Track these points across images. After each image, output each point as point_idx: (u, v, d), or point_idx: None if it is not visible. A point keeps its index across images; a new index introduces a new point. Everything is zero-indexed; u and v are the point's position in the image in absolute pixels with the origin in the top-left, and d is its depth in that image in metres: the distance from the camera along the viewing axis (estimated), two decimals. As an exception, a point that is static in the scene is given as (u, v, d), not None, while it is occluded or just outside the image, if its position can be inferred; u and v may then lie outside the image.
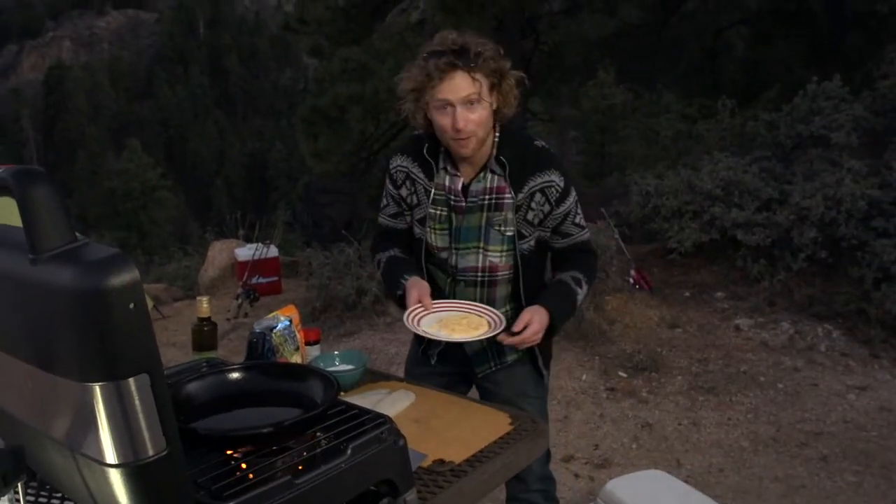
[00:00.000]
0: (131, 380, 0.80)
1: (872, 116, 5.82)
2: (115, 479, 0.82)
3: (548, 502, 2.00)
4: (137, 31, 79.44)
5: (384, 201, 1.96)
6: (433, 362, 1.96)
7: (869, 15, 9.44)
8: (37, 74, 67.21)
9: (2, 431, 1.07)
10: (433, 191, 1.81)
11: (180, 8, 74.40)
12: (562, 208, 1.79)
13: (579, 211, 1.84)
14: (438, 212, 1.82)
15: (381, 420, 1.20)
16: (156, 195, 36.01)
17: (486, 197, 1.77)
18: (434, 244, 1.85)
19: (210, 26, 73.92)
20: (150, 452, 0.82)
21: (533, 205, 1.77)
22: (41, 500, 1.19)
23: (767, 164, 5.82)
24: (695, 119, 9.76)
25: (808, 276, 5.07)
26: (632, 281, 5.27)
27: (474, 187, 1.78)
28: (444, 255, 1.85)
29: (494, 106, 1.71)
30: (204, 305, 1.68)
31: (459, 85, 1.64)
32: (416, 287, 1.77)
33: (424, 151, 1.81)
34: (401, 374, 4.80)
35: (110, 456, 0.81)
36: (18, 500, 0.94)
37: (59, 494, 1.19)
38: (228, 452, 1.08)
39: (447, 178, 1.80)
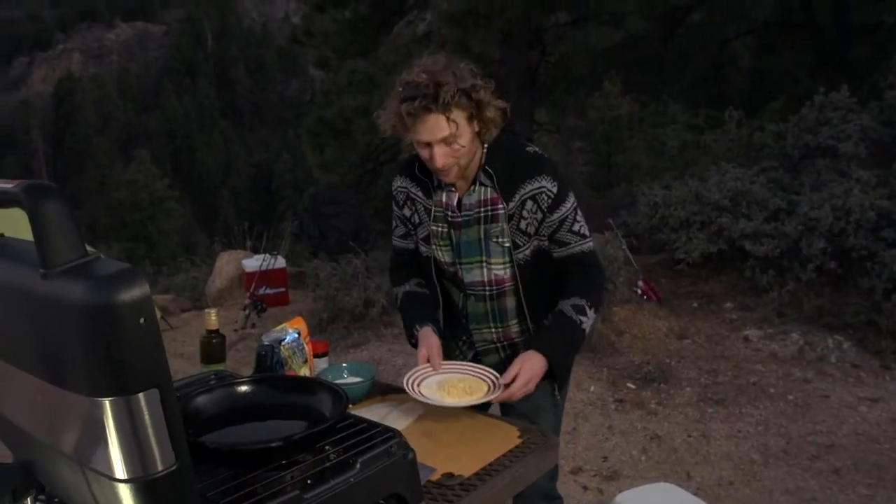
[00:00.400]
0: (141, 395, 0.80)
1: (880, 127, 5.81)
2: (125, 494, 0.81)
3: None
4: (146, 44, 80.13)
5: (394, 223, 1.97)
6: None
7: (875, 26, 9.44)
8: (46, 86, 67.85)
9: (12, 445, 1.07)
10: (433, 208, 1.81)
11: (188, 20, 75.07)
12: (556, 215, 1.73)
13: (578, 218, 1.77)
14: (440, 228, 1.82)
15: (391, 434, 1.19)
16: (164, 206, 36.15)
17: (481, 209, 1.75)
18: (442, 260, 1.85)
19: (218, 38, 74.51)
20: (160, 467, 0.82)
21: (524, 213, 1.72)
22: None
23: (775, 174, 5.81)
24: (701, 130, 9.76)
25: (818, 286, 5.04)
26: (640, 292, 5.26)
27: (466, 201, 1.77)
28: (452, 269, 1.85)
29: (476, 131, 1.67)
30: (212, 318, 1.68)
31: (434, 127, 1.60)
32: (426, 344, 1.77)
33: (417, 171, 1.81)
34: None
35: (119, 471, 0.80)
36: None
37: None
38: (237, 467, 1.08)
39: (444, 194, 1.79)
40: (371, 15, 9.35)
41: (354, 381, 1.83)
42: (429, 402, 1.59)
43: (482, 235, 1.77)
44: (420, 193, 1.83)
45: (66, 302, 0.80)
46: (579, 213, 1.77)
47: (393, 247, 2.02)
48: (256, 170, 52.75)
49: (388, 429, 1.22)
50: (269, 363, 1.56)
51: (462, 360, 1.94)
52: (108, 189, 39.20)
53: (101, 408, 0.79)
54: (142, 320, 0.79)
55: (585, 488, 3.13)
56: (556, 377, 1.76)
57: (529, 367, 1.67)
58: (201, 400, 1.27)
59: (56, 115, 58.14)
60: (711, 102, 10.20)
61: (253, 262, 7.00)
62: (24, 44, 77.87)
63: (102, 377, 0.79)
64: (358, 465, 1.11)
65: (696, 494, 2.84)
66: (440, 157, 1.63)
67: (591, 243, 1.81)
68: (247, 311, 6.19)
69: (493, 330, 1.89)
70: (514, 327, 1.87)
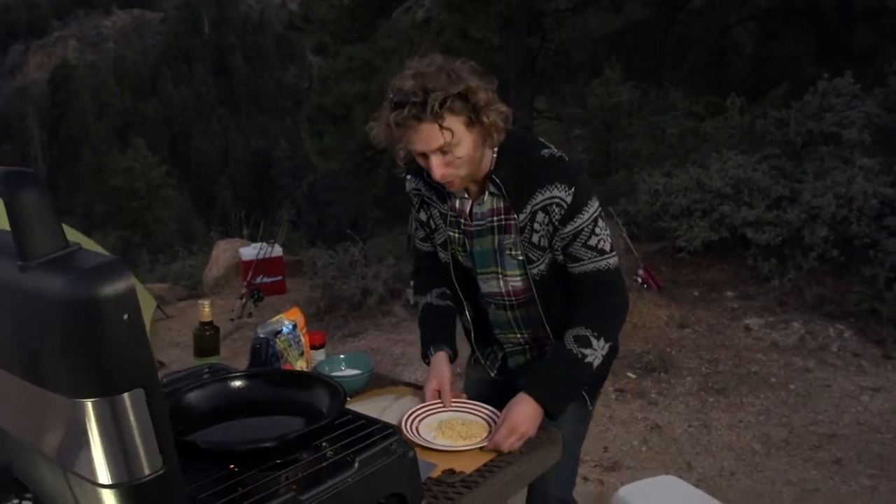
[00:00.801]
0: (125, 395, 0.75)
1: (885, 113, 5.74)
2: (109, 499, 0.77)
3: None
4: (142, 31, 79.64)
5: (413, 225, 1.88)
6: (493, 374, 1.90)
7: (879, 11, 9.35)
8: (42, 73, 67.46)
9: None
10: (448, 213, 1.70)
11: (185, 7, 74.55)
12: (569, 227, 1.55)
13: (597, 231, 1.56)
14: (456, 234, 1.71)
15: (390, 431, 1.15)
16: (160, 193, 36.02)
17: (494, 219, 1.62)
18: (464, 264, 1.76)
19: (215, 25, 74.05)
20: (146, 472, 0.77)
21: (536, 226, 1.56)
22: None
23: (777, 161, 5.75)
24: (702, 117, 9.69)
25: (819, 275, 5.00)
26: (640, 280, 5.21)
27: (476, 210, 1.64)
28: (474, 274, 1.75)
29: (478, 137, 1.51)
30: (206, 310, 1.63)
31: (427, 137, 1.46)
32: (437, 376, 1.67)
33: (426, 176, 1.67)
34: (407, 374, 4.73)
35: (103, 475, 0.76)
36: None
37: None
38: (230, 467, 1.04)
39: (457, 200, 1.68)
40: (369, 0, 9.25)
41: (352, 374, 1.79)
42: (417, 442, 1.46)
43: (496, 246, 1.64)
44: (434, 197, 1.71)
45: (45, 296, 0.75)
46: (600, 224, 1.57)
47: (415, 250, 1.92)
48: (254, 157, 52.53)
49: (387, 425, 1.18)
50: (264, 357, 1.52)
51: (493, 360, 1.88)
52: (104, 176, 39.07)
53: (82, 409, 0.75)
54: (125, 316, 0.74)
55: (586, 479, 3.10)
56: (554, 416, 1.58)
57: (514, 416, 1.50)
58: (194, 396, 1.23)
59: (52, 103, 57.86)
60: (713, 89, 10.13)
61: (250, 251, 6.95)
62: (19, 31, 77.34)
63: (84, 377, 0.74)
64: (356, 464, 1.07)
65: (697, 485, 2.82)
66: (438, 168, 1.50)
67: (610, 260, 1.60)
68: (243, 300, 6.14)
69: (518, 335, 1.80)
70: (541, 332, 1.75)
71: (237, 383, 1.28)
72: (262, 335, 1.58)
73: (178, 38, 70.70)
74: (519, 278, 1.66)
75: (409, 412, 1.58)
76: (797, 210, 4.99)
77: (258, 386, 1.29)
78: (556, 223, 1.55)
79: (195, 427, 1.18)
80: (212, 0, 74.62)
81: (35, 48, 76.70)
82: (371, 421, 1.19)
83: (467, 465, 1.42)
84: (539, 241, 1.59)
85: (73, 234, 5.69)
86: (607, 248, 1.60)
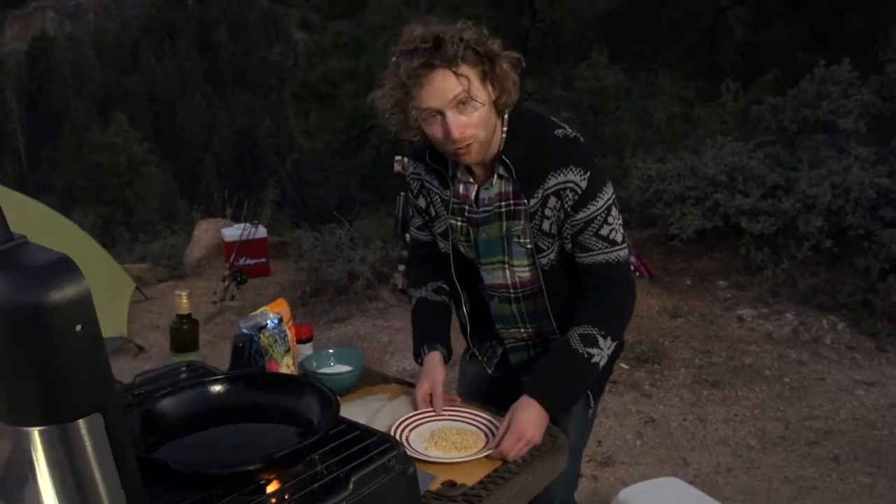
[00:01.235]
0: (80, 422, 0.63)
1: (880, 102, 5.67)
2: (61, 545, 0.64)
3: None
4: (123, 2, 77.95)
5: (410, 212, 1.75)
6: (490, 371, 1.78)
7: (872, -2, 9.29)
8: (20, 45, 65.86)
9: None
10: (451, 200, 1.58)
11: (168, -21, 72.96)
12: (581, 215, 1.45)
13: (610, 220, 1.47)
14: (459, 223, 1.58)
15: (388, 445, 1.04)
16: (142, 171, 35.42)
17: (502, 204, 1.50)
18: (467, 255, 1.64)
19: (198, -1, 72.61)
20: (106, 512, 0.65)
21: (547, 212, 1.46)
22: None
23: (772, 149, 5.66)
24: (691, 102, 9.59)
25: (812, 265, 4.94)
26: (632, 268, 5.12)
27: (483, 195, 1.53)
28: (477, 265, 1.63)
29: (493, 97, 1.41)
30: (183, 301, 1.50)
31: (443, 87, 1.34)
32: (429, 379, 1.55)
33: (428, 158, 1.56)
34: (394, 363, 4.60)
35: (54, 517, 0.63)
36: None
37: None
38: (207, 490, 0.91)
39: (461, 185, 1.56)
40: (357, -25, 9.02)
41: (342, 371, 1.67)
42: (414, 455, 1.33)
43: (503, 233, 1.52)
44: (436, 183, 1.59)
45: (-20, 302, 0.62)
46: (613, 213, 1.48)
47: (411, 238, 1.79)
48: (239, 135, 51.79)
49: (385, 438, 1.06)
50: (247, 355, 1.39)
51: (491, 356, 1.77)
52: (85, 152, 38.33)
53: (27, 439, 0.62)
54: (79, 327, 0.61)
55: (580, 475, 3.01)
56: (556, 419, 1.49)
57: (520, 422, 1.39)
58: (168, 402, 1.10)
59: (30, 75, 56.63)
60: (702, 74, 10.03)
61: (233, 232, 6.76)
62: (-4, 0, 75.42)
63: (28, 401, 0.61)
64: (351, 485, 0.95)
65: (693, 482, 2.74)
66: (456, 126, 1.36)
67: (621, 253, 1.50)
68: (226, 283, 5.98)
69: (521, 329, 1.68)
70: (546, 326, 1.64)
71: (218, 387, 1.16)
72: (244, 331, 1.45)
73: (160, 10, 69.24)
74: (527, 268, 1.56)
75: (399, 421, 1.47)
76: (792, 199, 4.91)
77: (241, 390, 1.16)
78: (569, 209, 1.45)
79: (170, 437, 1.05)
80: (195, -27, 73.17)
81: (12, 19, 74.88)
82: (366, 432, 1.07)
83: (468, 476, 1.31)
84: (549, 227, 1.48)
85: (48, 214, 5.48)
86: (619, 238, 1.50)
